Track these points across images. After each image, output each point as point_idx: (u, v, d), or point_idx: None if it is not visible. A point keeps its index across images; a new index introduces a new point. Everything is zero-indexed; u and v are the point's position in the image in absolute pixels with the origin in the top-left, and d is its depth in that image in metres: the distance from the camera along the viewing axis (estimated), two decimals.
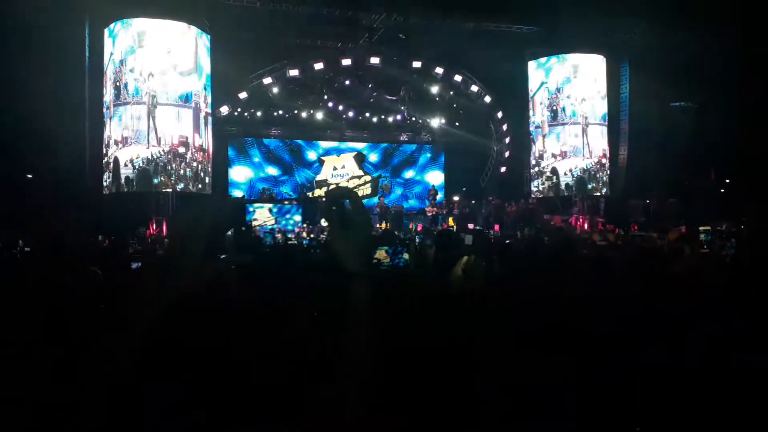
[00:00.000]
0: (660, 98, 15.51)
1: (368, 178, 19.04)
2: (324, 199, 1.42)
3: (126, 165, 12.16)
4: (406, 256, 3.67)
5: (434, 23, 14.52)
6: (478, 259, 3.71)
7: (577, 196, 15.63)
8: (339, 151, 19.36)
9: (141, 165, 12.14)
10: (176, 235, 1.19)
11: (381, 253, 3.59)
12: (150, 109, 12.13)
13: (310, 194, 18.08)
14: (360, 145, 19.67)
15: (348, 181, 18.78)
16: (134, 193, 12.20)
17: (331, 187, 18.02)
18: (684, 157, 15.70)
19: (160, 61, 12.20)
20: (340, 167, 19.19)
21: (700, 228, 8.04)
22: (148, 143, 12.15)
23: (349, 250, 1.16)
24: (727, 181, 17.16)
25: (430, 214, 16.11)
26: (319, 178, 19.02)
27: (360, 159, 19.51)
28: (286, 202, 15.87)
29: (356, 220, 1.18)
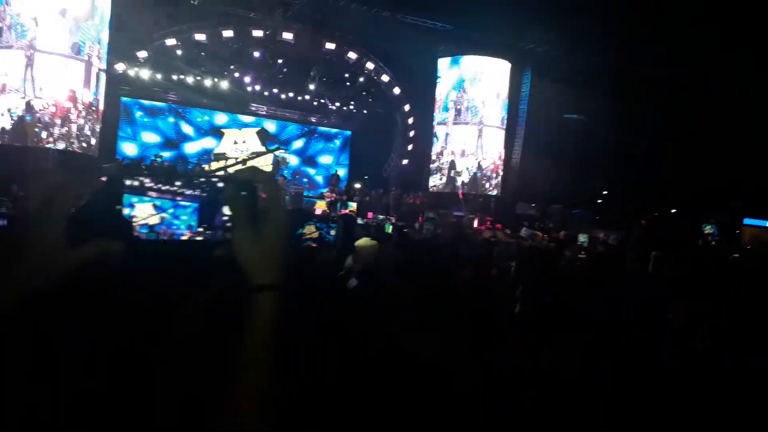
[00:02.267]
0: (556, 108, 16.50)
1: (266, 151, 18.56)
2: (226, 183, 1.06)
3: (2, 114, 11.02)
4: (333, 232, 3.63)
5: (351, 7, 14.39)
6: (372, 242, 3.75)
7: (470, 194, 16.28)
8: (241, 125, 18.76)
9: (18, 116, 11.05)
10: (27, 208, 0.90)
11: (310, 228, 3.51)
12: (31, 56, 11.03)
13: (206, 166, 17.36)
14: (266, 123, 19.19)
15: (248, 157, 18.24)
16: (10, 146, 11.08)
17: (231, 162, 17.40)
18: (574, 165, 16.81)
19: (49, 4, 11.11)
20: (241, 142, 18.60)
21: (579, 234, 8.84)
22: (28, 94, 11.06)
23: (258, 254, 0.92)
24: (605, 192, 18.61)
25: (329, 199, 16.06)
26: (217, 150, 18.31)
27: (263, 135, 19.03)
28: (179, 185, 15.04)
29: (271, 214, 0.94)
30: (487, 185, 16.38)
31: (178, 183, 1.39)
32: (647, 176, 15.76)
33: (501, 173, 16.67)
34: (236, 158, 17.71)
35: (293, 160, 19.42)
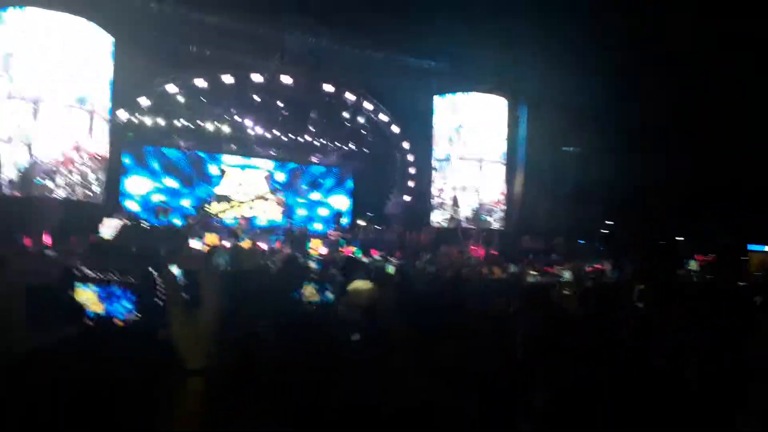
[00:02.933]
0: (554, 141, 16.66)
1: (273, 196, 18.68)
2: (165, 271, 1.09)
3: (8, 165, 11.17)
4: (329, 293, 3.57)
5: (346, 49, 14.72)
6: (368, 285, 3.66)
7: (473, 229, 16.28)
8: (243, 167, 18.95)
9: (24, 166, 11.21)
10: None
11: (309, 289, 3.45)
12: (37, 107, 11.27)
13: (207, 206, 17.43)
14: (267, 163, 19.38)
15: (253, 201, 18.35)
16: (14, 197, 11.20)
17: (233, 205, 17.50)
18: (576, 197, 16.87)
19: (53, 57, 11.39)
20: (246, 183, 18.70)
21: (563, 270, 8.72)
22: (34, 144, 11.25)
23: (191, 340, 0.93)
24: (608, 222, 18.59)
25: (333, 238, 16.09)
26: (219, 191, 18.44)
27: (269, 178, 19.23)
28: (190, 220, 15.12)
29: (206, 300, 0.96)
30: (490, 219, 16.41)
31: (117, 272, 1.46)
32: (650, 205, 15.79)
33: (504, 207, 16.71)
34: (238, 201, 17.85)
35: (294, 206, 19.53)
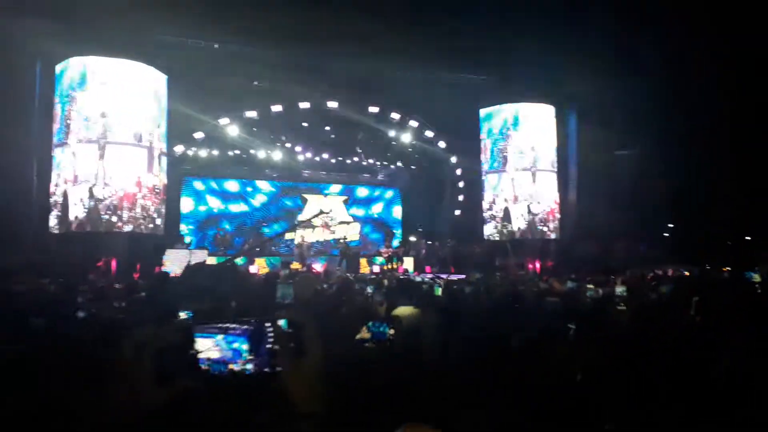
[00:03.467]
0: (606, 145, 16.25)
1: (355, 224, 18.93)
2: (274, 322, 1.18)
3: (75, 204, 11.85)
4: (390, 331, 3.56)
5: (390, 70, 14.87)
6: (412, 311, 3.58)
7: (527, 241, 16.00)
8: (297, 187, 19.36)
9: (91, 204, 11.85)
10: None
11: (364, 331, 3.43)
12: (103, 147, 11.93)
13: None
14: (316, 187, 19.77)
15: (337, 225, 18.65)
16: (83, 234, 11.83)
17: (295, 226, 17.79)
18: (632, 201, 16.37)
19: (113, 100, 12.05)
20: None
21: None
22: (99, 182, 11.89)
23: (301, 384, 1.02)
24: (670, 225, 17.93)
25: (385, 256, 16.19)
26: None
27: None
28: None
29: (312, 349, 1.04)
30: (545, 229, 16.09)
31: (227, 323, 1.55)
32: (708, 207, 15.13)
33: (558, 216, 16.37)
34: (299, 221, 18.19)
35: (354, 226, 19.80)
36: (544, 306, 4.27)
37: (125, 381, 1.03)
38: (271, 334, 1.24)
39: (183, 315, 3.34)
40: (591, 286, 6.25)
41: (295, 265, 13.83)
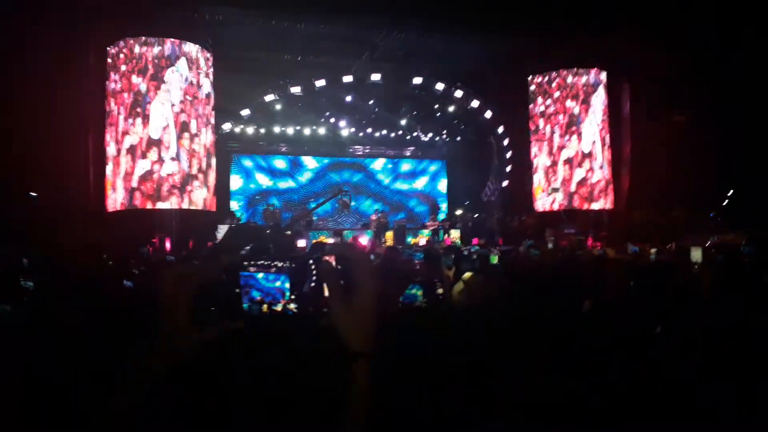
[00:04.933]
0: (660, 110, 15.53)
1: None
2: (320, 262, 1.14)
3: (146, 179, 12.18)
4: (417, 292, 3.58)
5: (434, 40, 14.55)
6: (478, 276, 3.68)
7: (578, 210, 15.58)
8: (341, 162, 19.40)
9: (170, 182, 12.19)
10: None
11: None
12: (166, 126, 12.23)
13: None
14: (366, 161, 19.77)
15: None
16: (137, 210, 12.19)
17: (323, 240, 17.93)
18: (690, 166, 15.66)
19: (160, 79, 12.29)
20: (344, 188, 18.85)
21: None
22: (165, 160, 12.20)
23: (352, 324, 0.99)
24: (731, 192, 17.10)
25: (432, 228, 16.09)
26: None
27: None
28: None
29: (362, 286, 1.01)
30: (596, 194, 15.60)
31: (268, 259, 1.56)
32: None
33: (611, 185, 15.84)
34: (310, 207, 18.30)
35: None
36: (602, 268, 4.12)
37: (166, 320, 0.99)
38: (315, 273, 1.20)
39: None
40: (654, 249, 6.01)
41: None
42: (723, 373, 2.08)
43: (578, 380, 1.98)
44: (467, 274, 3.78)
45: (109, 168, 12.49)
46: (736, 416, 1.81)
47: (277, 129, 17.46)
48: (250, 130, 17.03)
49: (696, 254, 5.42)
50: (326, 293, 1.08)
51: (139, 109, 12.15)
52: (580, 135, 15.51)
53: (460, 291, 3.67)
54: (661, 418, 1.85)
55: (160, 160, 12.14)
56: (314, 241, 12.92)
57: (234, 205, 17.70)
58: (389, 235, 15.03)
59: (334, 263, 1.03)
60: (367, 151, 19.58)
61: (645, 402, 1.97)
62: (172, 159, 12.24)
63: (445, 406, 1.82)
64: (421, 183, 20.36)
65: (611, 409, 1.92)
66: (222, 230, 13.07)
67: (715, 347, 2.24)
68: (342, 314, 1.00)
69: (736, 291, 3.07)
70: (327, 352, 1.07)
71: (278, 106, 15.95)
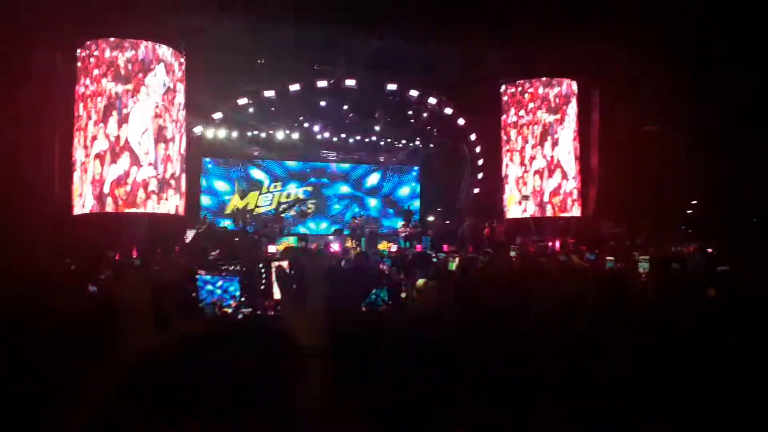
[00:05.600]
0: (630, 121, 15.86)
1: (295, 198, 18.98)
2: (277, 264, 1.22)
3: (120, 184, 11.96)
4: (382, 294, 3.65)
5: (408, 46, 14.66)
6: (429, 283, 3.74)
7: (548, 218, 15.81)
8: (314, 168, 19.47)
9: (147, 188, 11.99)
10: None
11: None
12: (145, 131, 12.06)
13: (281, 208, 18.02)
14: (338, 166, 19.78)
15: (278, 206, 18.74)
16: (104, 214, 11.99)
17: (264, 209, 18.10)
18: (657, 177, 16.02)
19: (131, 81, 12.13)
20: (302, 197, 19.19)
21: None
22: (142, 165, 12.00)
23: (303, 325, 1.02)
24: (694, 202, 17.56)
25: (403, 235, 16.17)
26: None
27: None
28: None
29: (314, 288, 1.05)
30: (567, 204, 15.86)
31: (222, 263, 1.64)
32: (736, 183, 14.72)
33: (579, 193, 16.11)
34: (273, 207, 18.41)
35: (372, 203, 19.78)
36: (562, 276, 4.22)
37: (128, 323, 1.03)
38: (264, 278, 1.27)
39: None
40: (611, 258, 6.18)
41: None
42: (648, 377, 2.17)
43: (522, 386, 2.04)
44: (420, 281, 3.85)
45: (77, 173, 12.26)
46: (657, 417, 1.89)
47: (249, 133, 17.37)
48: (221, 133, 16.91)
49: (644, 264, 5.61)
50: (277, 296, 1.14)
51: (114, 114, 11.95)
52: (552, 146, 15.75)
53: (414, 296, 3.75)
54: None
55: (136, 166, 11.97)
56: (285, 246, 12.89)
57: (205, 200, 17.59)
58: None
59: (287, 268, 1.08)
60: (340, 156, 19.59)
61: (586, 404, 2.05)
62: (150, 164, 12.09)
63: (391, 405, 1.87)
64: (393, 189, 20.44)
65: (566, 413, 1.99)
66: (190, 234, 12.95)
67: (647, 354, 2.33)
68: (293, 316, 1.04)
69: (675, 301, 3.19)
70: (278, 352, 1.10)
71: (251, 110, 15.87)
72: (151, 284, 1.07)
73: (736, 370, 2.18)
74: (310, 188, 19.25)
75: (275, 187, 19.12)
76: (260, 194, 19.04)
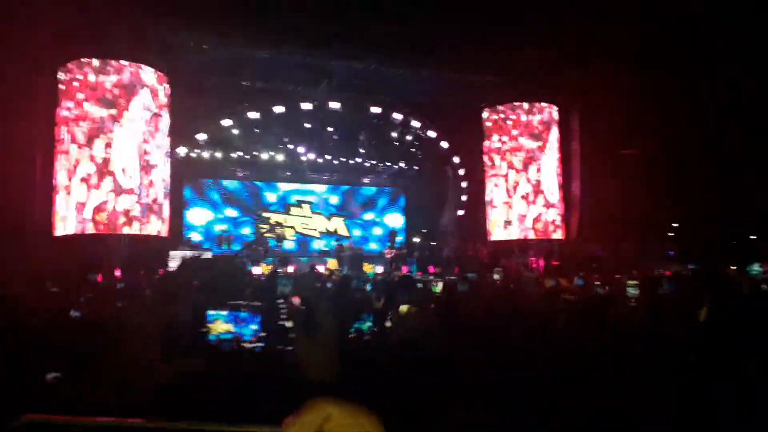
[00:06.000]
0: (610, 144, 16.13)
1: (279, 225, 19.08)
2: (288, 301, 1.26)
3: (101, 209, 11.79)
4: (367, 323, 3.60)
5: (392, 70, 14.83)
6: (411, 308, 3.68)
7: (532, 240, 15.91)
8: (303, 194, 19.48)
9: (128, 214, 11.83)
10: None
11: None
12: (117, 148, 11.93)
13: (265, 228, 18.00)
14: (321, 188, 19.76)
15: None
16: (86, 236, 11.81)
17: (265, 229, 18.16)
18: (639, 200, 16.23)
19: (115, 102, 12.06)
20: (283, 222, 19.25)
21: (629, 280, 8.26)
22: (124, 190, 11.87)
23: (314, 358, 1.03)
24: (675, 225, 17.82)
25: (388, 257, 16.15)
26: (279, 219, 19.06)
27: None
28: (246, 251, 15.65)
29: (324, 325, 1.06)
30: (550, 229, 15.99)
31: (243, 302, 1.70)
32: (717, 205, 15.01)
33: (561, 217, 16.26)
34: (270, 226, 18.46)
35: (355, 232, 19.81)
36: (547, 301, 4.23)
37: (132, 358, 1.03)
38: (284, 313, 1.30)
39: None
40: (598, 283, 6.22)
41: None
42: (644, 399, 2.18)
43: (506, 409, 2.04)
44: (403, 307, 3.77)
45: (60, 196, 12.09)
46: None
47: (233, 155, 17.32)
48: (206, 154, 16.84)
49: (631, 289, 5.64)
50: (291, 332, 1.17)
51: (98, 138, 11.83)
52: (535, 171, 15.90)
53: (396, 323, 3.67)
54: None
55: (118, 191, 11.84)
56: (268, 268, 12.81)
57: (192, 236, 17.39)
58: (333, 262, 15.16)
59: (298, 304, 1.12)
60: (324, 177, 19.61)
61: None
62: (131, 190, 11.96)
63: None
64: (378, 211, 20.46)
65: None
66: (174, 257, 12.79)
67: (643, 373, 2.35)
68: (307, 349, 1.09)
69: (663, 323, 3.22)
70: (292, 382, 1.12)
71: (235, 131, 15.86)
72: (163, 319, 1.07)
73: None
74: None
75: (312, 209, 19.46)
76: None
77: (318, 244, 19.00)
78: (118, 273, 11.55)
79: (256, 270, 12.75)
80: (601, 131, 15.53)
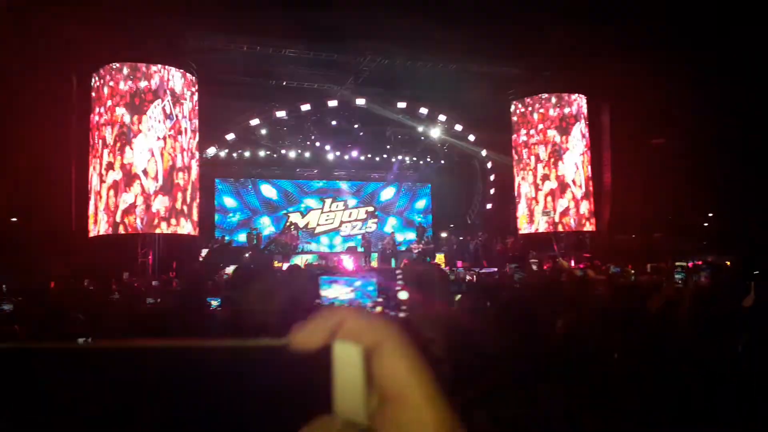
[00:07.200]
0: (641, 135, 15.82)
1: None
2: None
3: (130, 213, 12.04)
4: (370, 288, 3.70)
5: (418, 65, 14.76)
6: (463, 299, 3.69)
7: (562, 233, 15.70)
8: (331, 188, 19.56)
9: (158, 216, 12.05)
10: None
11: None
12: (151, 159, 12.14)
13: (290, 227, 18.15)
14: (346, 184, 19.84)
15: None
16: (118, 235, 12.05)
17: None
18: (671, 190, 15.91)
19: (147, 104, 12.27)
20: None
21: (676, 263, 8.13)
22: (151, 193, 12.09)
23: (426, 320, 1.11)
24: (710, 215, 17.41)
25: (416, 251, 16.12)
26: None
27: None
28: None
29: (441, 296, 1.15)
30: (582, 221, 15.74)
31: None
32: (750, 195, 14.60)
33: (592, 208, 16.00)
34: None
35: (392, 222, 19.83)
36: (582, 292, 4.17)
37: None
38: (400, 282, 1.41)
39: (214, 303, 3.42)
40: (633, 271, 6.13)
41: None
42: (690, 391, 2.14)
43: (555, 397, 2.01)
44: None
45: (92, 200, 12.35)
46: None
47: (261, 153, 17.50)
48: (234, 154, 17.05)
49: (679, 275, 5.52)
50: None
51: (125, 143, 12.05)
52: (563, 165, 15.67)
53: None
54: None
55: (147, 194, 12.05)
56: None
57: (222, 233, 17.60)
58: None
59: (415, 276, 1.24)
60: (352, 173, 19.66)
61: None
62: (160, 193, 12.15)
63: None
64: (406, 206, 20.44)
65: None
66: (204, 253, 13.02)
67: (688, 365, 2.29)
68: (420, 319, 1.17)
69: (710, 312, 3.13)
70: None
71: (263, 131, 16.02)
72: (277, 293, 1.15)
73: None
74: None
75: (337, 206, 19.36)
76: (322, 213, 19.23)
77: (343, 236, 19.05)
78: (150, 270, 11.82)
79: (284, 265, 12.89)
80: (632, 121, 15.23)
